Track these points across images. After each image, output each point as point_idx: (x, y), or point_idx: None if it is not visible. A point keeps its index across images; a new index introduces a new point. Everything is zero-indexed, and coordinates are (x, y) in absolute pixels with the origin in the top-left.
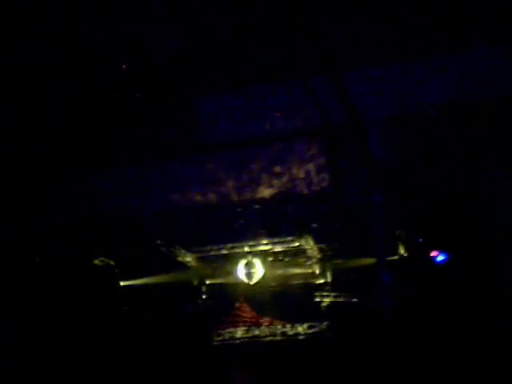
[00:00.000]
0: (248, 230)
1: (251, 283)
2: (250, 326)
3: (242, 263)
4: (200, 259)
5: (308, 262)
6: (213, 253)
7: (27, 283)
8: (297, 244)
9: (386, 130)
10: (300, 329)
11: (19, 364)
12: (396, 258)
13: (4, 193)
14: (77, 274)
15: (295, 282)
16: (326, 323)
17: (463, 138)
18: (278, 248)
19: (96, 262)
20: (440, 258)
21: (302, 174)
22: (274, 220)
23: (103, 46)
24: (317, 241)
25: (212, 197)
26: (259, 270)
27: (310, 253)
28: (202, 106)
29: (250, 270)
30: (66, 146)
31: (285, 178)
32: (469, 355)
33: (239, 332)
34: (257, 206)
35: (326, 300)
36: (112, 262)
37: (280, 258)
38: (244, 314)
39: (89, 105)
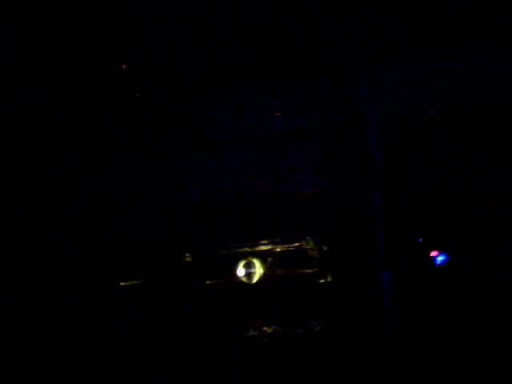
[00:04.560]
0: (248, 230)
1: (251, 283)
2: (249, 327)
3: (241, 263)
4: (200, 259)
5: (308, 262)
6: (213, 253)
7: (27, 283)
8: (297, 244)
9: (386, 129)
10: (300, 329)
11: (18, 363)
12: (396, 257)
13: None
14: (76, 274)
15: (295, 282)
16: (325, 323)
17: (463, 138)
18: (278, 248)
19: (97, 261)
20: (440, 258)
21: (301, 174)
22: (274, 220)
23: (103, 45)
24: (317, 241)
25: (212, 197)
26: (259, 270)
27: (310, 253)
28: (202, 106)
29: (250, 269)
30: (65, 145)
31: (285, 178)
32: (469, 355)
33: (239, 332)
34: (257, 206)
35: (326, 300)
36: (112, 262)
37: (280, 258)
38: (244, 315)
39: (88, 104)
